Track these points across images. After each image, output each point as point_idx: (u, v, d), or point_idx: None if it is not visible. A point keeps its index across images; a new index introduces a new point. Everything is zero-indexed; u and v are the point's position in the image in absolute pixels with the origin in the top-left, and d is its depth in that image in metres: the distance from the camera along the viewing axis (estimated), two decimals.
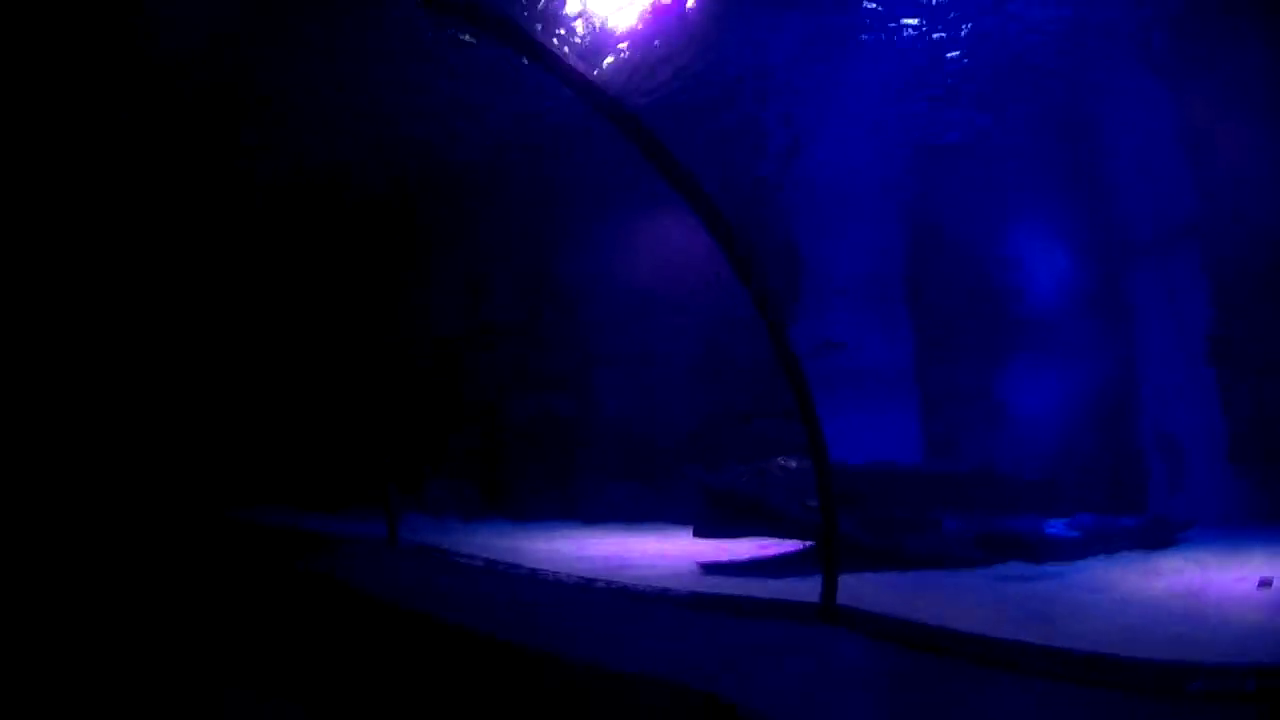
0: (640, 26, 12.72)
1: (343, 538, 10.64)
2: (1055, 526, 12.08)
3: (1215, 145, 13.29)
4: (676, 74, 13.24)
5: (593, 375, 15.85)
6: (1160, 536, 11.80)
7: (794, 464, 12.10)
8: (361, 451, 13.77)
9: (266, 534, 11.27)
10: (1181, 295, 14.27)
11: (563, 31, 12.70)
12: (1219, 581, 9.51)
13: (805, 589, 7.78)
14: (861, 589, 8.60)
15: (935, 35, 12.94)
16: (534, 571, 8.97)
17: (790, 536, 11.29)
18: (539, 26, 12.46)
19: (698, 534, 11.41)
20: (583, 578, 8.99)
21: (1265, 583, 8.82)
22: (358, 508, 12.60)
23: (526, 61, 5.06)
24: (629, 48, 12.91)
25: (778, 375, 16.12)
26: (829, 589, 8.14)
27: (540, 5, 12.23)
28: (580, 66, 5.32)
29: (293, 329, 15.04)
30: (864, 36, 12.77)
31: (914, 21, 12.52)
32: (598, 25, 12.67)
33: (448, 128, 13.78)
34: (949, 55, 13.16)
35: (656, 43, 12.85)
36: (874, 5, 12.38)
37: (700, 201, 6.28)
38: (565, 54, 5.36)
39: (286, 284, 14.83)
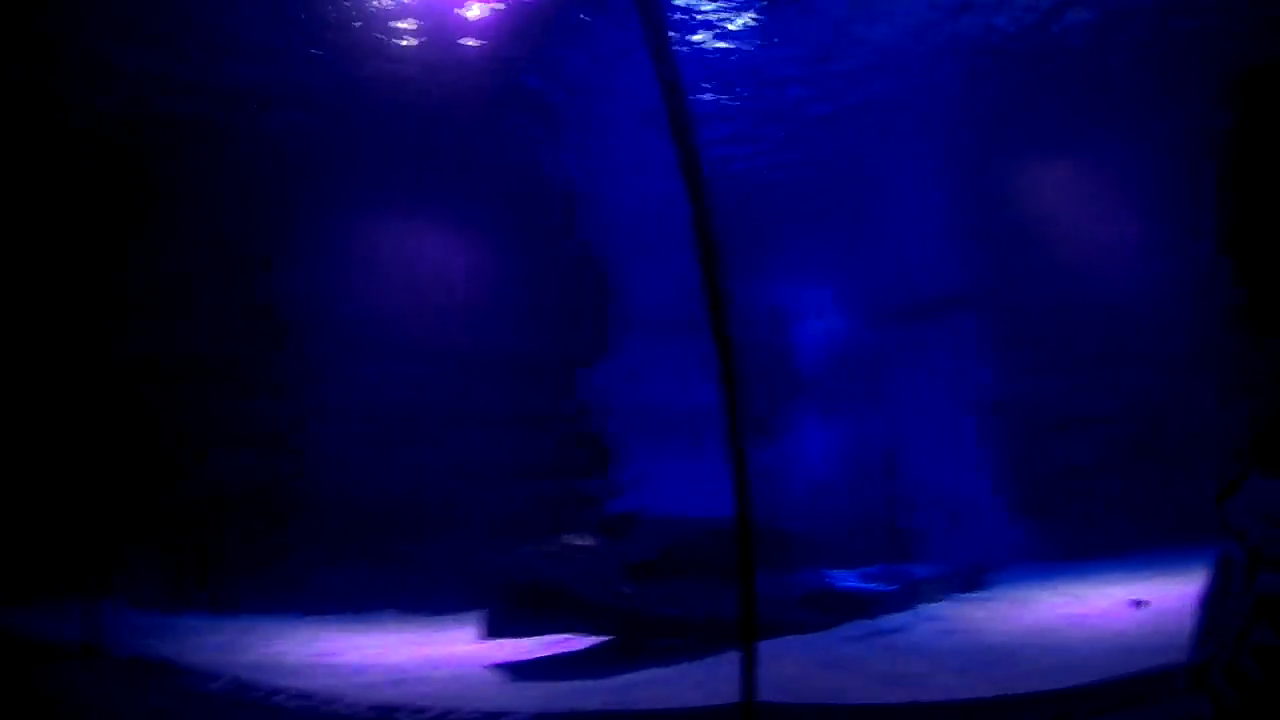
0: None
1: (37, 645, 7.40)
2: (849, 579, 11.21)
3: (990, 226, 13.77)
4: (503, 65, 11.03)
5: (313, 429, 12.35)
6: (972, 580, 11.28)
7: (588, 541, 9.99)
8: (44, 518, 10.40)
9: None
10: (960, 358, 14.57)
11: None
12: (1066, 611, 9.45)
13: (659, 688, 7.11)
14: (718, 672, 7.14)
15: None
16: (306, 698, 5.84)
17: (601, 631, 9.08)
18: None
19: (491, 634, 8.70)
20: (376, 707, 6.01)
21: (1138, 604, 8.82)
22: (47, 595, 9.50)
23: None
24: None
25: (527, 428, 13.82)
26: (749, 687, 6.14)
27: None
28: None
29: None
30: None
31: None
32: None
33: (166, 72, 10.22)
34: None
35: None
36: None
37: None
38: None
39: None
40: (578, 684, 7.70)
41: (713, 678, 7.40)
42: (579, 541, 9.90)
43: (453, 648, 9.37)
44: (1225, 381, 9.65)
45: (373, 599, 11.90)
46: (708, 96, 12.25)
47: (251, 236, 11.75)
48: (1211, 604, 1.25)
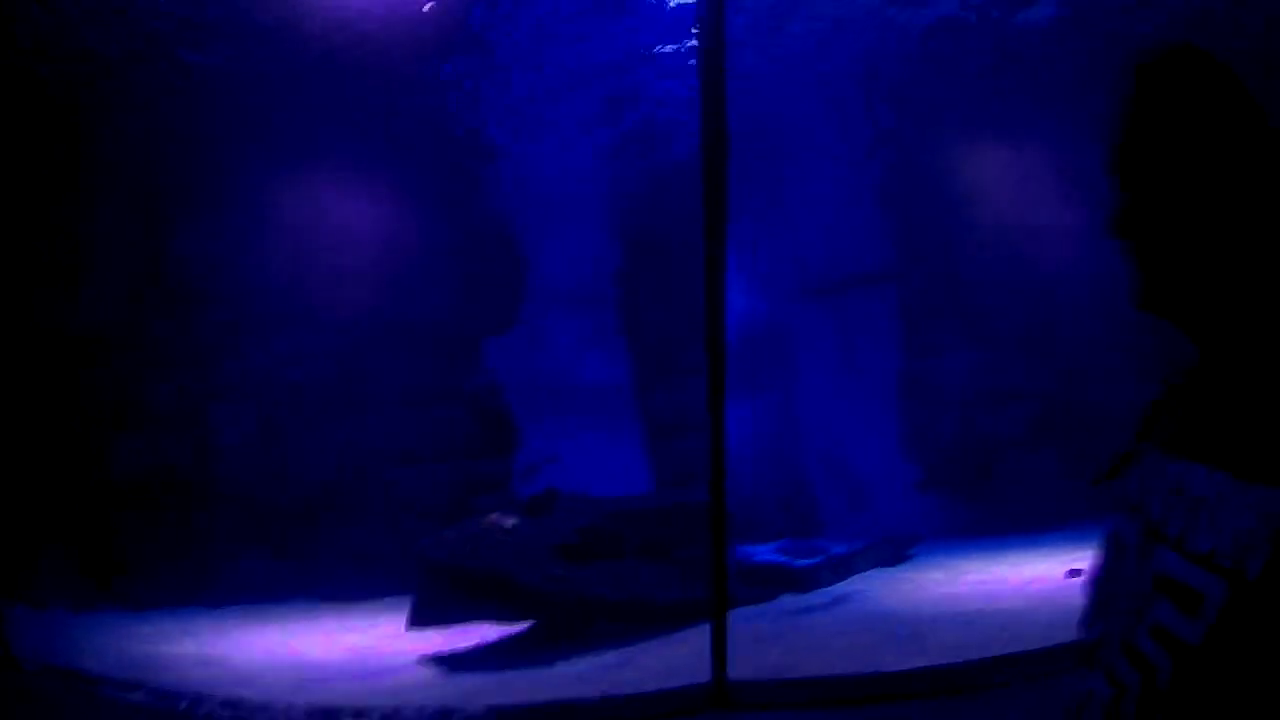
0: None
1: None
2: (764, 553, 11.13)
3: (909, 203, 13.78)
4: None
5: (211, 410, 11.31)
6: (897, 554, 11.40)
7: (511, 522, 9.56)
8: None
9: None
10: (877, 333, 14.63)
11: None
12: (997, 580, 9.57)
13: (615, 673, 6.91)
14: (671, 652, 7.44)
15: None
16: (235, 706, 5.27)
17: (532, 615, 8.70)
18: None
19: (416, 623, 8.18)
20: (315, 710, 5.51)
21: (1076, 573, 8.71)
22: None
23: None
24: None
25: (424, 407, 13.07)
26: (720, 664, 5.98)
27: None
28: None
29: None
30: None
31: None
32: None
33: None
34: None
35: None
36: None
37: None
38: None
39: None
40: (524, 673, 7.34)
41: (668, 658, 7.20)
42: (502, 522, 9.45)
43: (376, 639, 8.81)
44: (1145, 357, 10.00)
45: (283, 588, 11.11)
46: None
47: (154, 193, 10.59)
48: (1103, 582, 1.25)
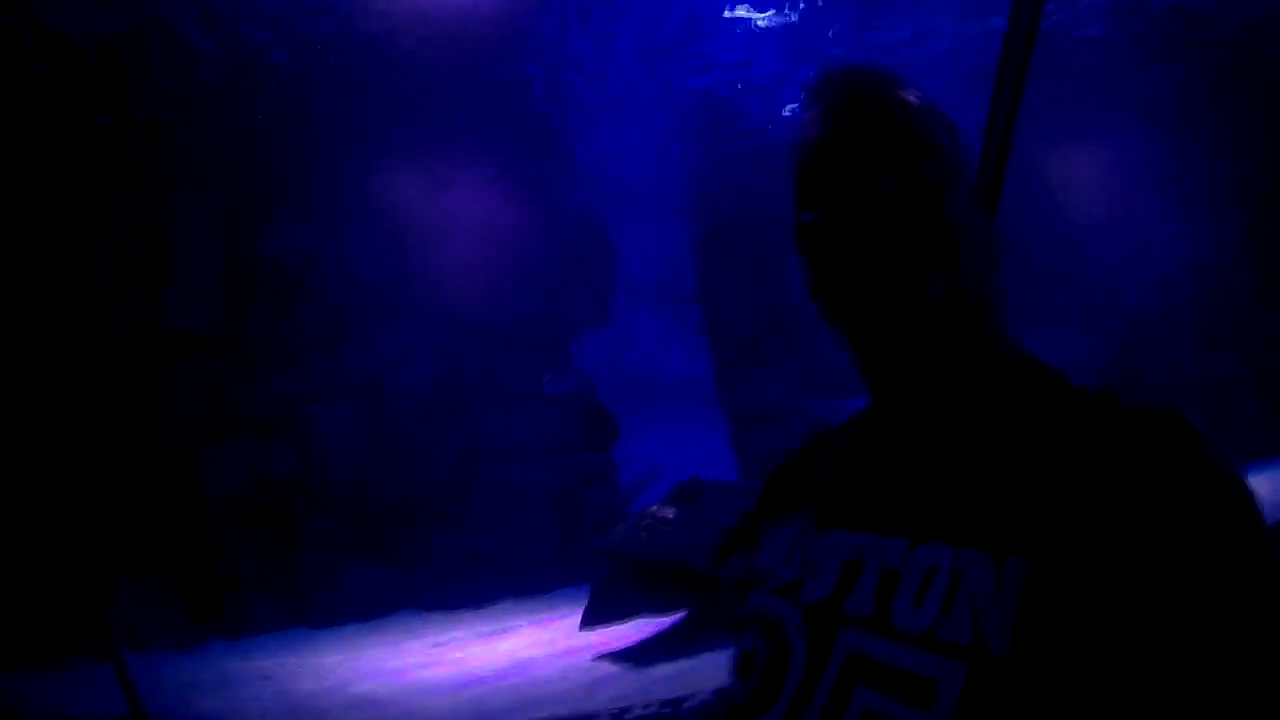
0: None
1: None
2: None
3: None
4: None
5: (315, 412, 10.66)
6: None
7: (670, 512, 9.12)
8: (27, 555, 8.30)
9: None
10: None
11: None
12: None
13: None
14: None
15: None
16: None
17: (699, 603, 8.15)
18: None
19: (590, 622, 7.62)
20: None
21: None
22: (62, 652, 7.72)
23: None
24: None
25: (523, 404, 12.58)
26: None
27: None
28: None
29: None
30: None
31: None
32: None
33: None
34: None
35: None
36: None
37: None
38: None
39: None
40: (706, 658, 6.72)
41: None
42: (663, 513, 8.98)
43: (527, 644, 8.19)
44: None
45: (387, 601, 10.48)
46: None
47: (247, 190, 10.01)
48: (749, 666, 1.03)
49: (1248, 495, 0.86)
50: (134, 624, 8.40)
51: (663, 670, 6.62)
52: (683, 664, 6.70)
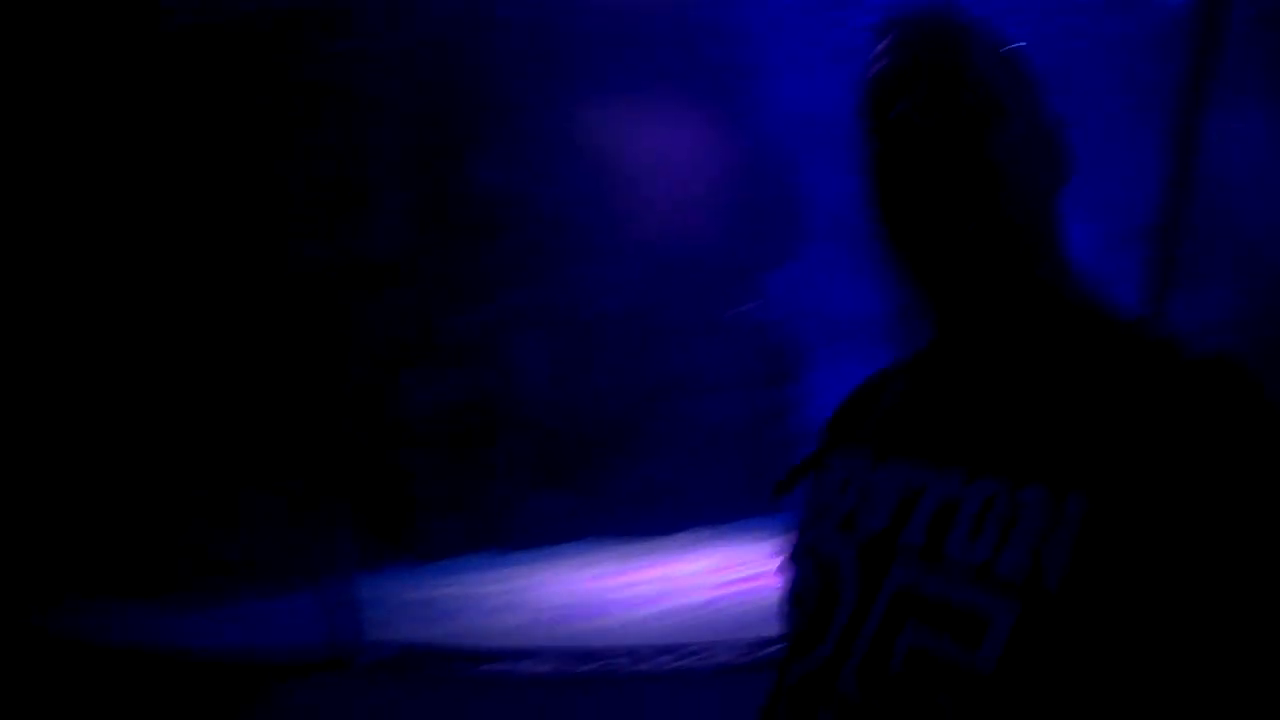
0: None
1: (255, 664, 5.19)
2: None
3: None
4: None
5: (511, 340, 10.88)
6: None
7: None
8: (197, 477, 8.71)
9: (114, 663, 5.32)
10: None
11: None
12: None
13: None
14: None
15: None
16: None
17: None
18: None
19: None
20: None
21: None
22: (212, 583, 8.09)
23: None
24: None
25: (710, 337, 12.42)
26: None
27: None
28: None
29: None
30: None
31: None
32: None
33: None
34: None
35: None
36: None
37: None
38: None
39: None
40: None
41: None
42: None
43: (744, 566, 7.97)
44: None
45: (572, 527, 10.61)
46: None
47: (442, 122, 10.22)
48: (802, 602, 1.01)
49: None
50: (327, 549, 8.77)
51: None
52: None
